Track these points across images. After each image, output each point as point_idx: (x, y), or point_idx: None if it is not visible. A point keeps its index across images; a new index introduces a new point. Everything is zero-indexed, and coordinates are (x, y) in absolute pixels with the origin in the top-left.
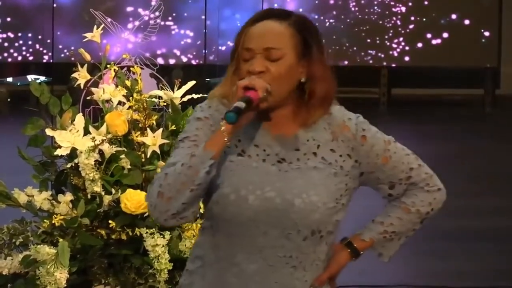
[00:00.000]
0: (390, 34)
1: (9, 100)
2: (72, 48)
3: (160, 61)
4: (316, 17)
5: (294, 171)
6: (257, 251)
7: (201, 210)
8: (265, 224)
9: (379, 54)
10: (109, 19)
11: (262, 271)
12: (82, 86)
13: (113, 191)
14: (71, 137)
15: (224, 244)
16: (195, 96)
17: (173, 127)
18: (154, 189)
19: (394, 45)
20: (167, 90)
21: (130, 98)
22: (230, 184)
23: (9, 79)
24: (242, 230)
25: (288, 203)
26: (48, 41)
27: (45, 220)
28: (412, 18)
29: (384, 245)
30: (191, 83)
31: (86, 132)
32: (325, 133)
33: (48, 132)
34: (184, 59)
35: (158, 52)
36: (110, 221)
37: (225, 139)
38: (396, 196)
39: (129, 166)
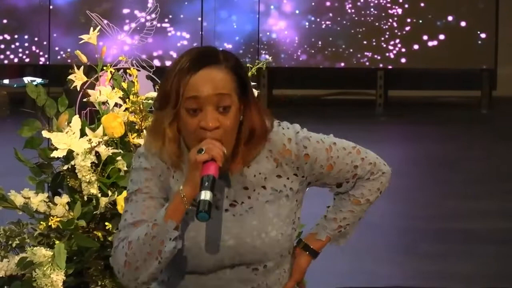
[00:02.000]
0: (387, 36)
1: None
2: (69, 50)
3: (156, 63)
4: (312, 19)
5: (247, 213)
6: (226, 284)
7: None
8: (231, 264)
9: (376, 56)
10: (105, 21)
11: None
12: (78, 88)
13: (110, 193)
14: (68, 139)
15: (193, 279)
16: None
17: None
18: (119, 257)
19: (391, 47)
20: None
21: (127, 100)
22: (188, 238)
23: (6, 81)
24: (209, 272)
25: (250, 246)
26: (45, 43)
27: (41, 222)
28: (409, 20)
29: (339, 237)
30: None
31: (83, 134)
32: (268, 163)
33: (45, 134)
34: None
35: (155, 54)
36: (106, 223)
37: (186, 207)
38: (344, 191)
39: (126, 168)
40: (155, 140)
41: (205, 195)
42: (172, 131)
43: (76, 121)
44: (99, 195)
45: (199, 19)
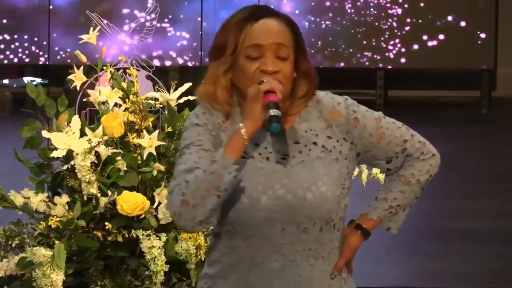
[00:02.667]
0: (386, 36)
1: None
2: (68, 50)
3: (156, 63)
4: (312, 19)
5: (298, 165)
6: (277, 249)
7: None
8: (281, 222)
9: (375, 56)
10: (105, 21)
11: (284, 267)
12: (78, 88)
13: (109, 193)
14: (67, 139)
15: (243, 246)
16: (191, 98)
17: (169, 129)
18: (175, 198)
19: (390, 47)
20: (163, 92)
21: (126, 100)
22: (241, 189)
23: (5, 81)
24: (259, 231)
25: (300, 198)
26: (44, 43)
27: (41, 222)
28: (408, 20)
29: (391, 219)
30: (187, 85)
31: (82, 134)
32: (319, 122)
33: (44, 134)
34: (180, 61)
35: (154, 54)
36: (106, 223)
37: (246, 142)
38: (394, 169)
39: (125, 168)
40: (208, 88)
41: (273, 112)
42: (226, 80)
43: (76, 121)
44: (99, 195)
45: (199, 19)
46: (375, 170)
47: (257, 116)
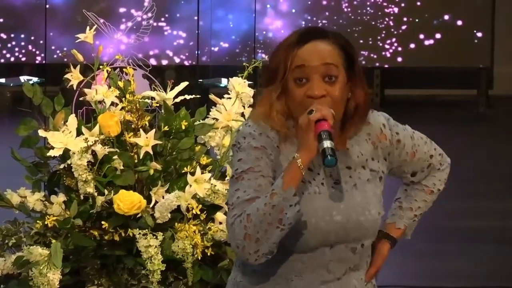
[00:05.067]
0: (383, 35)
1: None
2: (65, 49)
3: (152, 62)
4: (309, 18)
5: (352, 189)
6: (324, 265)
7: None
8: (334, 242)
9: (372, 55)
10: (101, 20)
11: (327, 281)
12: (75, 87)
13: (106, 192)
14: (64, 138)
15: (290, 260)
16: (188, 97)
17: (166, 128)
18: (238, 230)
19: (387, 46)
20: (159, 91)
21: (123, 99)
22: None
23: (2, 80)
24: (311, 250)
25: (356, 222)
26: (41, 42)
27: (38, 221)
28: (405, 18)
29: (411, 227)
30: (184, 84)
31: (79, 133)
32: (368, 145)
33: (41, 133)
34: (177, 60)
35: (151, 53)
36: (103, 222)
37: (303, 172)
38: (417, 181)
39: (122, 167)
40: (264, 109)
41: (327, 144)
42: (280, 105)
43: (73, 120)
44: (96, 194)
45: (196, 18)
46: None
47: (311, 146)
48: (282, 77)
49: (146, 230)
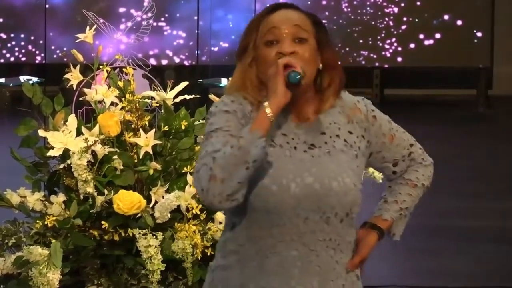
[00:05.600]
0: (383, 35)
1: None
2: (65, 49)
3: (152, 62)
4: None
5: (325, 155)
6: (298, 238)
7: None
8: (306, 210)
9: (372, 55)
10: (101, 20)
11: (303, 256)
12: (74, 87)
13: (106, 192)
14: (64, 138)
15: (263, 235)
16: (187, 97)
17: (166, 128)
18: (203, 174)
19: (387, 46)
20: (159, 91)
21: (123, 99)
22: (270, 176)
23: (2, 80)
24: (283, 220)
25: (327, 187)
26: (41, 42)
27: (37, 221)
28: (405, 18)
29: (397, 223)
30: (184, 84)
31: (79, 133)
32: (341, 117)
33: (41, 133)
34: (177, 60)
35: (151, 53)
36: (102, 222)
37: (271, 118)
38: (399, 173)
39: (122, 167)
40: (236, 80)
41: (294, 71)
42: (252, 73)
43: (72, 120)
44: (95, 194)
45: (195, 18)
46: (371, 170)
47: (279, 90)
48: (254, 42)
49: (146, 230)
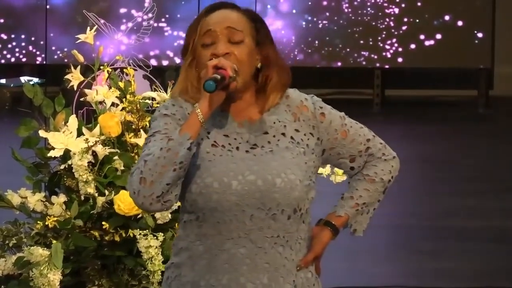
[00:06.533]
0: (383, 36)
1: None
2: (65, 49)
3: (153, 62)
4: (309, 18)
5: (267, 154)
6: (245, 235)
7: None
8: (250, 207)
9: (372, 56)
10: (102, 21)
11: (252, 253)
12: (75, 88)
13: (107, 192)
14: (65, 139)
15: (212, 233)
16: None
17: None
18: (134, 177)
19: (387, 46)
20: (160, 91)
21: (123, 99)
22: (211, 174)
23: (2, 81)
24: (228, 217)
25: (270, 183)
26: (42, 42)
27: (38, 222)
28: (405, 19)
29: (356, 219)
30: None
31: (80, 133)
32: (287, 115)
33: (42, 133)
34: (177, 61)
35: (152, 53)
36: (103, 223)
37: (201, 120)
38: (357, 169)
39: (123, 168)
40: (179, 83)
41: (214, 75)
42: (193, 73)
43: (73, 120)
44: (96, 194)
45: None
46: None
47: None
48: (193, 43)
49: (147, 230)
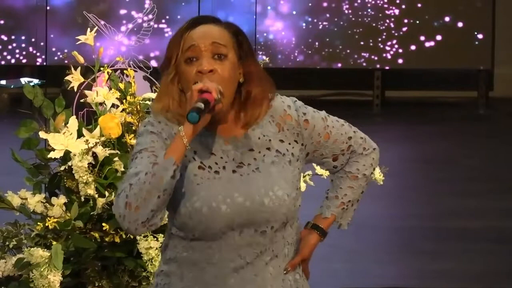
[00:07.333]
0: (384, 37)
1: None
2: (66, 50)
3: (153, 63)
4: (310, 19)
5: (254, 173)
6: (234, 250)
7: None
8: (240, 226)
9: (373, 57)
10: (102, 22)
11: (240, 267)
12: (75, 89)
13: (107, 193)
14: (65, 140)
15: (200, 247)
16: None
17: None
18: (120, 200)
19: (388, 48)
20: None
21: (124, 100)
22: (200, 199)
23: (3, 82)
24: (218, 235)
25: (258, 203)
26: (42, 43)
27: (38, 223)
28: (406, 20)
29: (342, 216)
30: None
31: (80, 134)
32: (271, 127)
33: (42, 134)
34: None
35: (152, 54)
36: (103, 224)
37: (186, 144)
38: (340, 167)
39: (123, 169)
40: (160, 99)
41: (197, 104)
42: (175, 90)
43: (73, 122)
44: (96, 195)
45: None
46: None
47: None
48: (176, 59)
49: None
